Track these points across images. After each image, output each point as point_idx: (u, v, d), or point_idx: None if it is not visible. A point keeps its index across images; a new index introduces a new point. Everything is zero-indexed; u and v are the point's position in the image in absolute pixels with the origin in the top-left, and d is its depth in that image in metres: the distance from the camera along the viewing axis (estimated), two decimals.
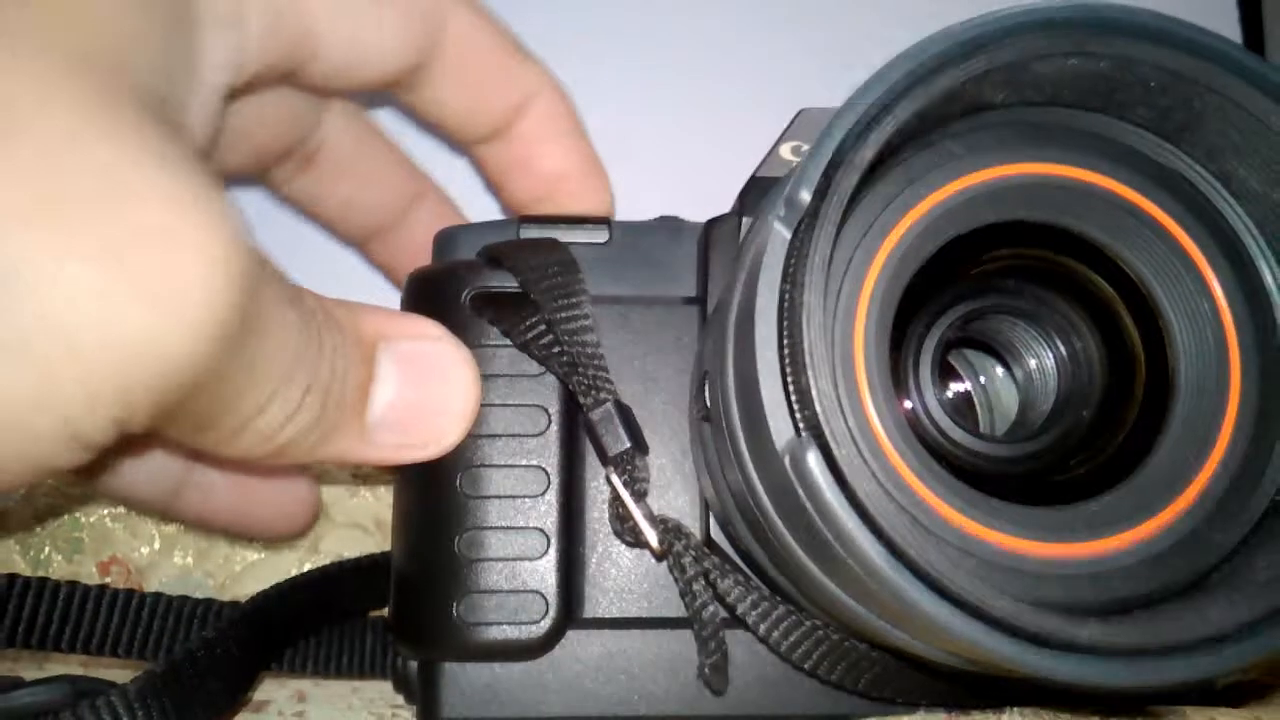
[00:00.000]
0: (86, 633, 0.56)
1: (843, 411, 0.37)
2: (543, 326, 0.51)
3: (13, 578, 0.55)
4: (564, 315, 0.51)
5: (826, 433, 0.35)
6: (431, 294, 0.55)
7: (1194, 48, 0.39)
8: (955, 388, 0.54)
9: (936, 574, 0.34)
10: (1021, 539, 0.39)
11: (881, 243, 0.40)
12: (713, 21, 0.93)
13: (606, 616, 0.53)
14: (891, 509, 0.35)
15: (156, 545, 0.87)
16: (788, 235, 0.38)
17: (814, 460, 0.35)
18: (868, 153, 0.37)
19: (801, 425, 0.36)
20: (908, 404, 0.46)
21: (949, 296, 0.47)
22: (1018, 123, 0.42)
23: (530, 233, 0.55)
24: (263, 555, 0.88)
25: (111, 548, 0.87)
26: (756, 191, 0.53)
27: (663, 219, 0.57)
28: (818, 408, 0.35)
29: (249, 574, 0.88)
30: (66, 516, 0.86)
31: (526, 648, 0.52)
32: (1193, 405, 0.42)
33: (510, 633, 0.51)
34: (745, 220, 0.53)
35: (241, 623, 0.52)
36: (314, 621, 0.61)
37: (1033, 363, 0.50)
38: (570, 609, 0.52)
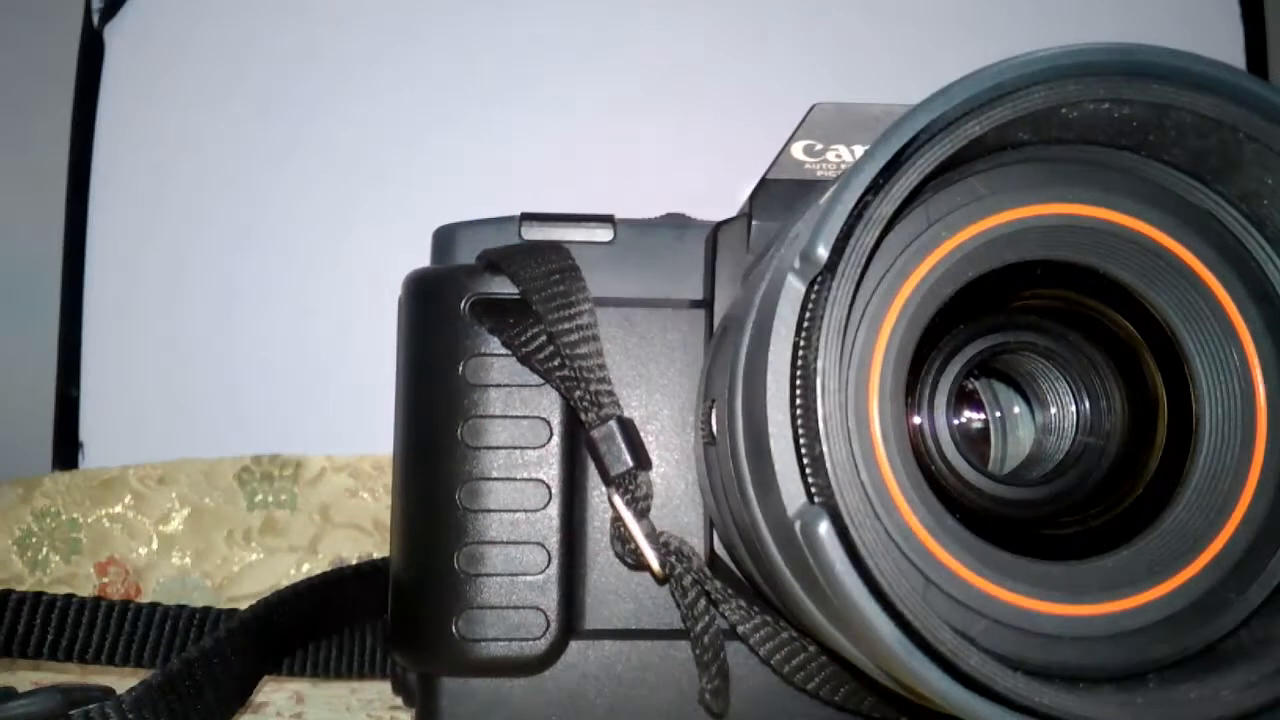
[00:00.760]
0: (83, 642, 0.57)
1: (859, 478, 0.36)
2: (544, 338, 0.50)
3: (7, 593, 0.56)
4: (565, 327, 0.50)
5: (840, 505, 0.34)
6: (430, 299, 0.54)
7: (1235, 93, 0.38)
8: (972, 417, 0.52)
9: (948, 652, 0.34)
10: (1035, 599, 0.38)
11: (900, 288, 0.39)
12: (730, 10, 0.94)
13: (609, 628, 0.52)
14: (905, 586, 0.34)
15: (154, 546, 0.88)
16: (801, 289, 0.36)
17: (826, 532, 0.34)
18: (887, 208, 0.36)
19: (815, 492, 0.35)
20: (922, 433, 0.45)
21: (969, 332, 0.46)
22: (1043, 160, 0.41)
23: (532, 231, 0.54)
24: (260, 556, 0.89)
25: (109, 548, 0.88)
26: (766, 194, 0.52)
27: (669, 216, 0.56)
28: (831, 479, 0.35)
29: (247, 574, 0.89)
30: (65, 517, 0.88)
31: (527, 663, 0.51)
32: (1216, 458, 0.40)
33: (511, 649, 0.51)
34: (755, 224, 0.52)
35: (239, 632, 0.52)
36: (313, 629, 0.62)
37: (1051, 400, 0.48)
38: (572, 621, 0.52)
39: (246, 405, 0.95)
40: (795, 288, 0.37)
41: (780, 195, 0.51)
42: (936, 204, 0.39)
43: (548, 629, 0.51)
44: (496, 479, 0.52)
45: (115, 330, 0.96)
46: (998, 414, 0.52)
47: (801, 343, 0.36)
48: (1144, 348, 0.43)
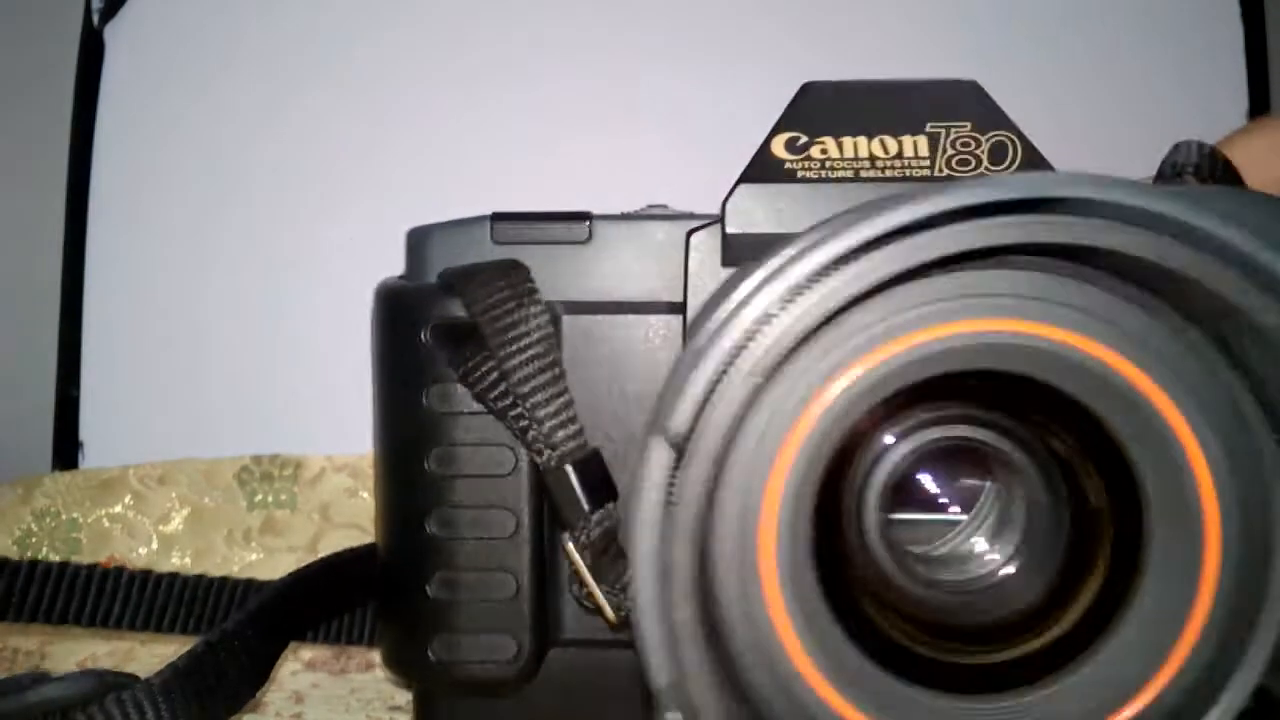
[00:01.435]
0: (105, 610, 0.60)
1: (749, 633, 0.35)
2: (495, 374, 0.49)
3: (34, 562, 0.58)
4: (517, 361, 0.48)
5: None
6: (392, 323, 0.53)
7: (1158, 227, 0.34)
8: (908, 518, 0.47)
9: None
10: None
11: (786, 436, 0.36)
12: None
13: (590, 638, 0.52)
14: None
15: (154, 546, 0.89)
16: (669, 458, 0.34)
17: None
18: (754, 379, 0.34)
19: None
20: (845, 555, 0.42)
21: (892, 441, 0.43)
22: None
23: (503, 232, 0.52)
24: (260, 556, 0.90)
25: (109, 548, 0.88)
26: (742, 199, 0.49)
27: (650, 208, 0.54)
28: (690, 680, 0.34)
29: (246, 574, 0.90)
30: (64, 517, 0.89)
31: (503, 683, 0.52)
32: (1161, 588, 0.37)
33: (487, 670, 0.52)
34: (729, 233, 0.49)
35: (260, 614, 0.54)
36: (333, 605, 0.63)
37: (983, 509, 0.46)
38: (548, 635, 0.52)
39: (246, 405, 0.97)
40: (663, 452, 0.35)
41: (758, 200, 0.49)
42: (854, 319, 0.36)
43: (520, 652, 0.51)
44: (465, 506, 0.52)
45: (115, 330, 0.97)
46: (937, 514, 0.48)
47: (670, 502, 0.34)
48: (1085, 462, 0.41)
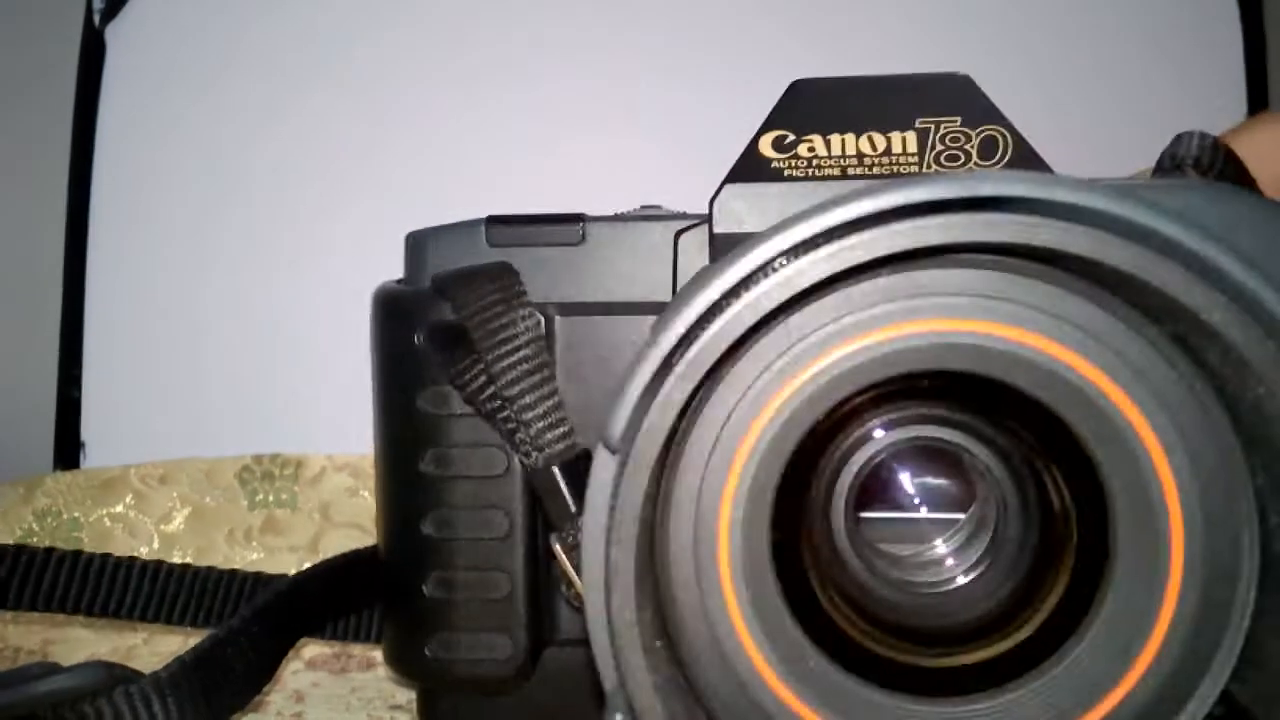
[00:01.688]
0: (118, 600, 0.60)
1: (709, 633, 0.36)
2: (484, 378, 0.49)
3: (49, 550, 0.59)
4: (505, 364, 0.48)
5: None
6: (387, 327, 0.54)
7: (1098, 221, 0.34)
8: (877, 517, 0.47)
9: None
10: None
11: (741, 439, 0.36)
12: None
13: (584, 638, 0.52)
14: None
15: (155, 545, 0.89)
16: (613, 469, 0.35)
17: None
18: (685, 386, 0.34)
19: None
20: (813, 551, 0.42)
21: (859, 441, 0.43)
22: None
23: (497, 235, 0.52)
24: (261, 555, 0.90)
25: (110, 548, 0.86)
26: (729, 198, 0.49)
27: (643, 209, 0.54)
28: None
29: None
30: (66, 516, 0.89)
31: (501, 681, 0.52)
32: (1127, 591, 0.36)
33: (483, 669, 0.52)
34: (717, 233, 0.49)
35: (267, 611, 0.54)
36: (338, 606, 0.64)
37: (950, 512, 0.45)
38: (542, 635, 0.52)
39: (247, 405, 0.97)
40: (607, 462, 0.35)
41: (745, 199, 0.49)
42: (801, 320, 0.36)
43: (515, 651, 0.52)
44: (460, 508, 0.52)
45: (117, 330, 0.98)
46: (904, 513, 0.47)
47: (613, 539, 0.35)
48: (1049, 466, 0.40)
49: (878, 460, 0.43)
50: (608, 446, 0.35)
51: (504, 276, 0.51)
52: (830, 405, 0.36)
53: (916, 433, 0.42)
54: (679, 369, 0.34)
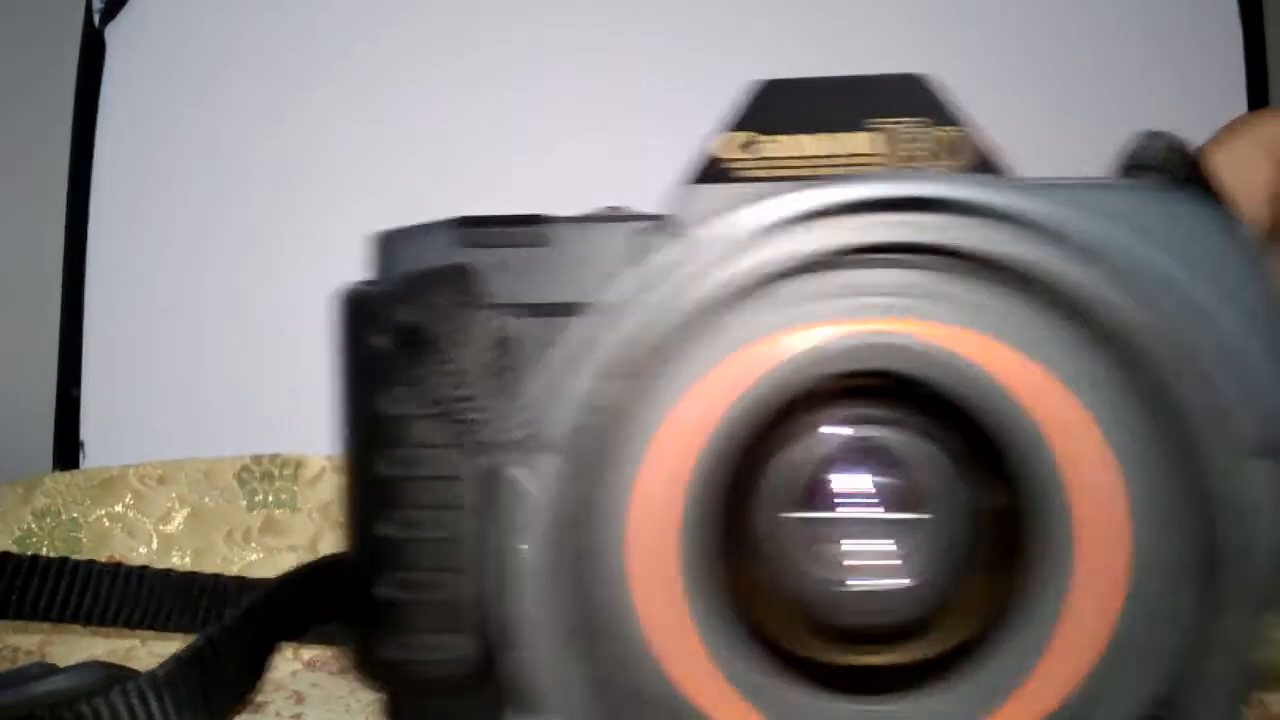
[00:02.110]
0: (103, 606, 0.61)
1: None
2: (442, 379, 0.49)
3: (35, 558, 0.59)
4: (461, 367, 0.49)
5: None
6: (352, 326, 0.54)
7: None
8: (811, 516, 0.46)
9: None
10: None
11: (665, 445, 0.37)
12: None
13: None
14: None
15: (154, 545, 0.90)
16: (528, 489, 0.36)
17: None
18: (609, 386, 0.35)
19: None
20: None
21: (794, 440, 0.43)
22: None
23: (463, 235, 0.52)
24: (260, 555, 0.91)
25: (109, 548, 0.89)
26: (689, 198, 0.48)
27: (609, 209, 0.53)
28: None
29: (246, 574, 0.91)
30: (65, 516, 0.90)
31: (462, 682, 0.52)
32: (1040, 591, 0.36)
33: (444, 670, 0.52)
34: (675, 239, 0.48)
35: (256, 609, 0.55)
36: (326, 605, 0.64)
37: (887, 512, 0.45)
38: (507, 635, 0.54)
39: (247, 405, 0.98)
40: (517, 480, 0.36)
41: (706, 200, 0.48)
42: (727, 320, 0.37)
43: (476, 651, 0.51)
44: (419, 508, 0.52)
45: (117, 330, 0.98)
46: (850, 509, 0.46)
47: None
48: (977, 466, 0.40)
49: (812, 460, 0.43)
50: (522, 445, 0.35)
51: (464, 277, 0.51)
52: (759, 405, 0.37)
53: (852, 432, 0.42)
54: (597, 368, 0.35)
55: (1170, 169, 0.45)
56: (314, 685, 0.69)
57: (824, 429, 0.42)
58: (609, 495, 0.37)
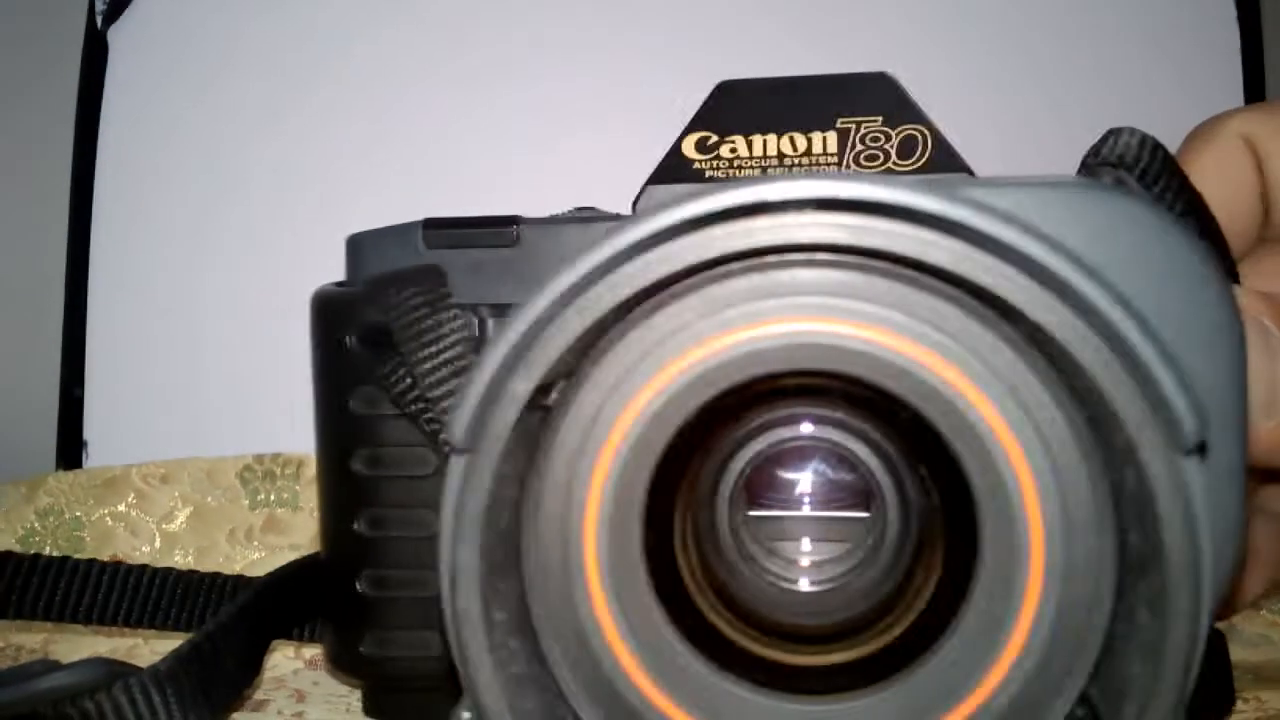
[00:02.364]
0: (101, 605, 0.62)
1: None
2: (408, 380, 0.50)
3: (36, 557, 0.60)
4: (427, 366, 0.49)
5: None
6: (325, 327, 0.55)
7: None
8: (759, 515, 0.46)
9: None
10: None
11: (608, 435, 0.36)
12: None
13: None
14: None
15: (157, 544, 0.90)
16: (460, 467, 0.35)
17: None
18: (527, 384, 0.34)
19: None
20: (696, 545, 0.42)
21: (740, 440, 0.43)
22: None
23: (433, 237, 0.53)
24: (262, 554, 0.91)
25: (112, 547, 0.89)
26: (652, 200, 0.50)
27: (578, 211, 0.54)
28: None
29: (249, 573, 0.91)
30: (68, 516, 0.90)
31: (437, 678, 0.52)
32: (990, 592, 0.36)
33: (418, 666, 0.53)
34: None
35: (250, 606, 0.56)
36: (320, 599, 0.65)
37: (835, 511, 0.45)
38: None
39: (249, 404, 0.98)
40: (457, 464, 0.35)
41: (660, 199, 0.49)
42: (661, 319, 0.36)
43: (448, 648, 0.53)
44: (391, 506, 0.53)
45: (119, 329, 0.99)
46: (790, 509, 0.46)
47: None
48: (919, 466, 0.40)
49: (758, 459, 0.43)
50: (450, 444, 0.35)
51: (431, 278, 0.51)
52: (696, 405, 0.36)
53: (796, 432, 0.43)
54: (525, 365, 0.34)
55: (1141, 165, 0.44)
56: (315, 684, 0.68)
57: (766, 430, 0.42)
58: (551, 495, 0.37)
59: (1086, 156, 0.46)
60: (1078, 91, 0.93)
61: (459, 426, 0.35)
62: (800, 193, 0.33)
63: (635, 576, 0.37)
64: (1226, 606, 0.60)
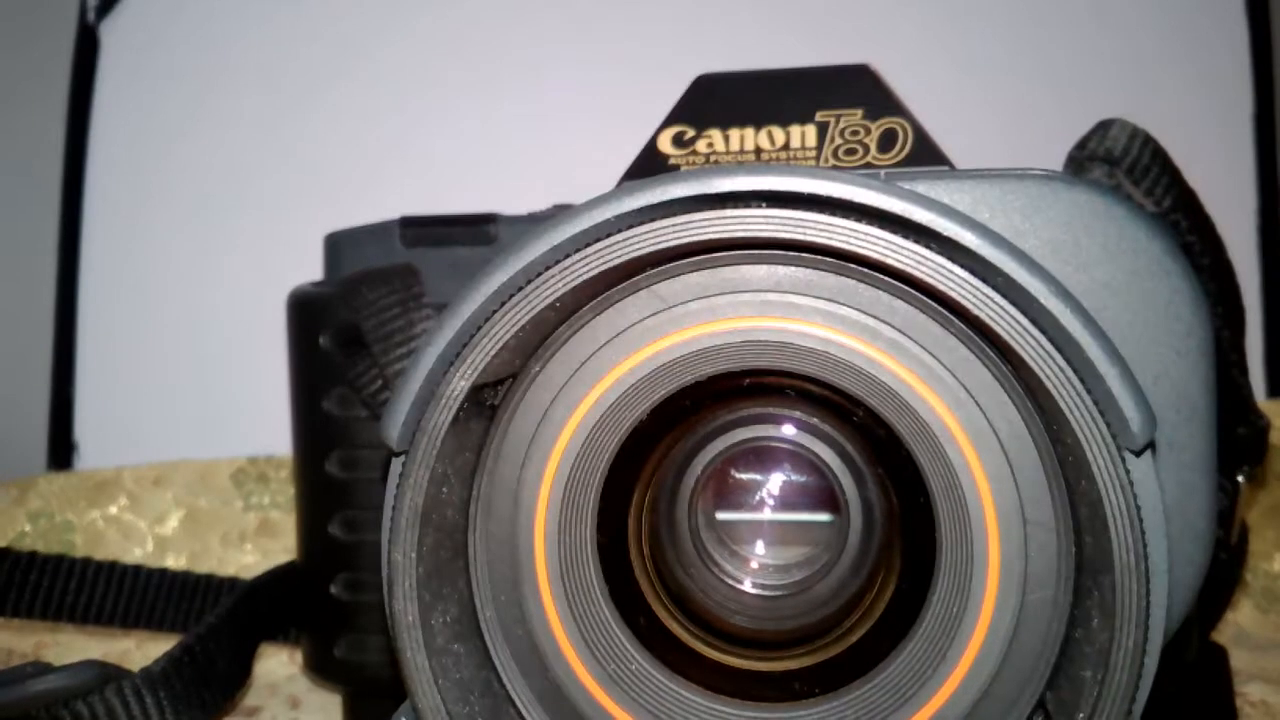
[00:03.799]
0: (99, 605, 0.63)
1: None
2: (379, 382, 0.51)
3: (33, 554, 0.62)
4: (398, 367, 0.49)
5: None
6: (300, 327, 0.55)
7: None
8: (723, 518, 0.46)
9: None
10: None
11: (558, 435, 0.37)
12: None
13: None
14: None
15: (149, 548, 0.91)
16: (397, 469, 0.35)
17: None
18: (463, 383, 0.34)
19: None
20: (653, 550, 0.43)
21: (701, 440, 0.43)
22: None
23: (410, 236, 0.53)
24: (256, 558, 0.92)
25: (104, 550, 0.90)
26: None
27: (555, 209, 0.54)
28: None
29: (242, 576, 0.92)
30: (59, 519, 0.91)
31: None
32: (947, 595, 0.36)
33: (394, 670, 0.53)
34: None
35: (239, 609, 0.57)
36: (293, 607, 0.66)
37: (800, 514, 0.45)
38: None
39: (242, 407, 0.99)
40: (396, 465, 0.36)
41: None
42: (609, 318, 0.37)
43: None
44: (366, 509, 0.53)
45: (110, 331, 1.00)
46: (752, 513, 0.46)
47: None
48: (877, 468, 0.41)
49: (717, 460, 0.43)
50: (387, 447, 0.35)
51: (403, 278, 0.52)
52: (648, 404, 0.37)
53: (756, 433, 0.42)
54: (461, 365, 0.35)
55: (1130, 158, 0.44)
56: (310, 690, 0.70)
57: (725, 431, 0.42)
58: (500, 498, 0.37)
59: (1072, 150, 0.47)
60: (1084, 90, 0.93)
61: (393, 428, 0.35)
62: (739, 186, 0.34)
63: (587, 579, 0.37)
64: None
